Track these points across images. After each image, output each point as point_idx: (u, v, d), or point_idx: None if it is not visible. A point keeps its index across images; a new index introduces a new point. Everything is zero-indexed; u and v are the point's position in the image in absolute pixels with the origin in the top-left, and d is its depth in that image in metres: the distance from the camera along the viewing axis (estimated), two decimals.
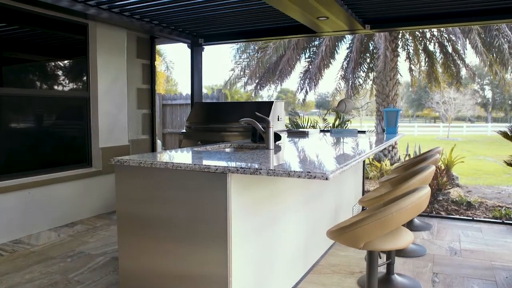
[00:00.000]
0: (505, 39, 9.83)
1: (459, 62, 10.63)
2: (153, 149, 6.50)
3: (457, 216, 5.53)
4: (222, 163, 2.29)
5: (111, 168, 5.32)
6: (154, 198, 2.44)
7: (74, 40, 5.30)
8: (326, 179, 1.94)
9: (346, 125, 8.01)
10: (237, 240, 2.29)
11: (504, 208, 5.94)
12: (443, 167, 7.06)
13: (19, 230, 4.42)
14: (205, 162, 2.37)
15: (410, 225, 4.69)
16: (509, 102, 41.90)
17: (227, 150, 3.50)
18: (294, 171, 2.02)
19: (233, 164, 2.26)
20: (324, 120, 8.41)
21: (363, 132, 5.43)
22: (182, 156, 2.70)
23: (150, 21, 5.40)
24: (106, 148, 5.44)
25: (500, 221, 5.12)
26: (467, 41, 10.03)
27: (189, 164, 2.28)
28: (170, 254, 2.41)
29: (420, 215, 5.17)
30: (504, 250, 4.02)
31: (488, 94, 44.66)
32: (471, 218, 5.30)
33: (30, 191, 4.53)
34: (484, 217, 5.52)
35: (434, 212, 5.71)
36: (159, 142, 7.63)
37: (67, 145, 5.19)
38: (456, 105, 32.55)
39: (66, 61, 5.39)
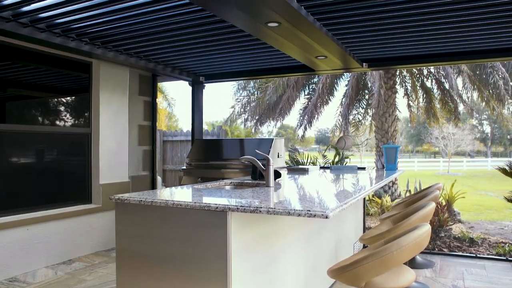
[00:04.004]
0: (500, 76, 10.05)
1: (456, 98, 10.79)
2: (153, 185, 6.49)
3: (460, 253, 5.46)
4: (222, 201, 2.30)
5: (111, 205, 5.30)
6: (154, 236, 2.44)
7: (77, 77, 5.42)
8: (326, 217, 1.95)
9: (345, 162, 8.03)
10: (237, 278, 2.27)
11: (507, 244, 5.86)
12: (444, 203, 7.02)
13: (16, 267, 4.36)
14: (205, 200, 2.38)
15: (412, 263, 4.62)
16: (508, 136, 42.11)
17: (227, 187, 3.51)
18: (294, 210, 2.03)
19: (233, 202, 2.27)
20: (324, 156, 8.44)
21: (363, 168, 5.45)
22: (182, 194, 2.71)
23: (153, 60, 5.55)
24: (106, 185, 5.44)
25: (504, 258, 5.04)
26: (461, 78, 10.27)
27: (189, 202, 2.29)
28: None
29: (422, 252, 5.10)
30: None
31: (487, 129, 44.97)
32: (475, 255, 5.23)
33: (29, 227, 4.50)
34: (488, 254, 5.44)
35: (436, 249, 5.63)
36: (159, 179, 7.64)
37: (68, 181, 5.20)
38: (456, 140, 32.69)
39: (68, 98, 5.49)
